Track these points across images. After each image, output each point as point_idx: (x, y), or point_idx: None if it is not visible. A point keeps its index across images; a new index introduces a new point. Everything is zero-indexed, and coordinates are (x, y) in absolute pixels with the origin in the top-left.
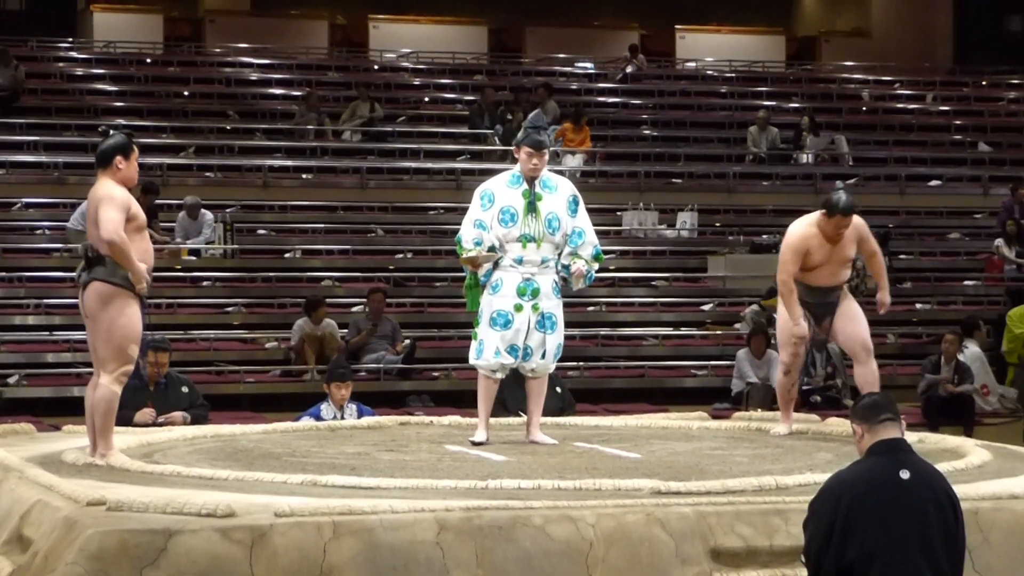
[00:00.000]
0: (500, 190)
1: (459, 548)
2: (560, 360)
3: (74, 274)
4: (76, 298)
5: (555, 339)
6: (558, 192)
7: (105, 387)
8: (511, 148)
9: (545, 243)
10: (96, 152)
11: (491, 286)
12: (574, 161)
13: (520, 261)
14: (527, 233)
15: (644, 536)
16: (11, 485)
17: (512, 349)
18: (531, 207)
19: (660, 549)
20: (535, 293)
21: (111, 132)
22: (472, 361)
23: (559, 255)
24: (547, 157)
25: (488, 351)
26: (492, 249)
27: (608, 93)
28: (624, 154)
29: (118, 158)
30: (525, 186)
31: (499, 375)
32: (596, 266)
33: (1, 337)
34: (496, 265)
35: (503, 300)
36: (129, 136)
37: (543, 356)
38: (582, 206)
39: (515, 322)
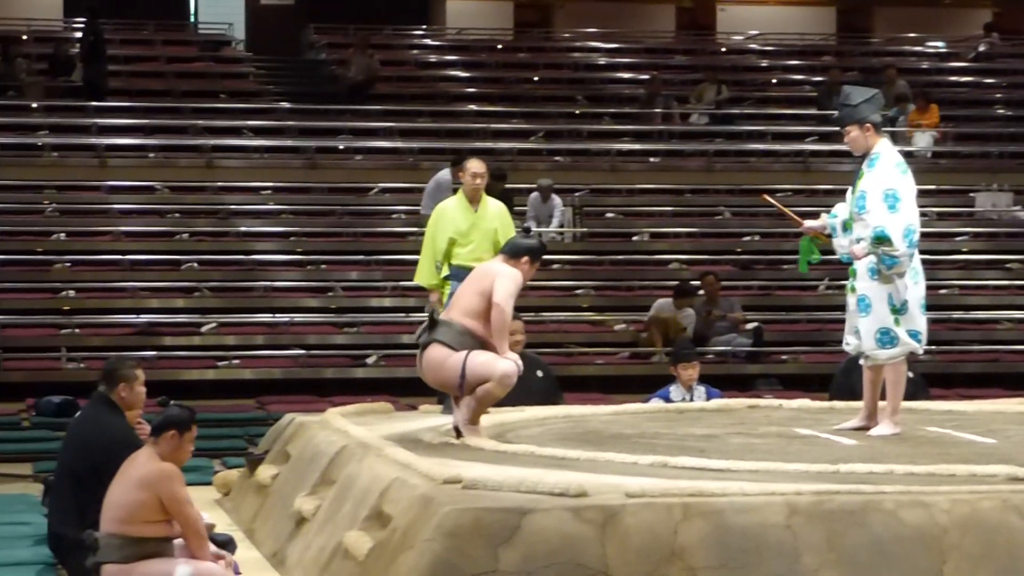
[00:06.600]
0: None
1: (810, 532)
2: None
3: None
4: None
5: (866, 323)
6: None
7: (489, 387)
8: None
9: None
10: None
11: None
12: (923, 141)
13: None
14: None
15: (1000, 523)
16: (371, 463)
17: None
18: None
19: (1018, 537)
20: (852, 274)
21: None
22: None
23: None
24: (855, 133)
25: None
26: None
27: (959, 72)
28: (975, 134)
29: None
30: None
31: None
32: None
33: (359, 319)
34: None
35: None
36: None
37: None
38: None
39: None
